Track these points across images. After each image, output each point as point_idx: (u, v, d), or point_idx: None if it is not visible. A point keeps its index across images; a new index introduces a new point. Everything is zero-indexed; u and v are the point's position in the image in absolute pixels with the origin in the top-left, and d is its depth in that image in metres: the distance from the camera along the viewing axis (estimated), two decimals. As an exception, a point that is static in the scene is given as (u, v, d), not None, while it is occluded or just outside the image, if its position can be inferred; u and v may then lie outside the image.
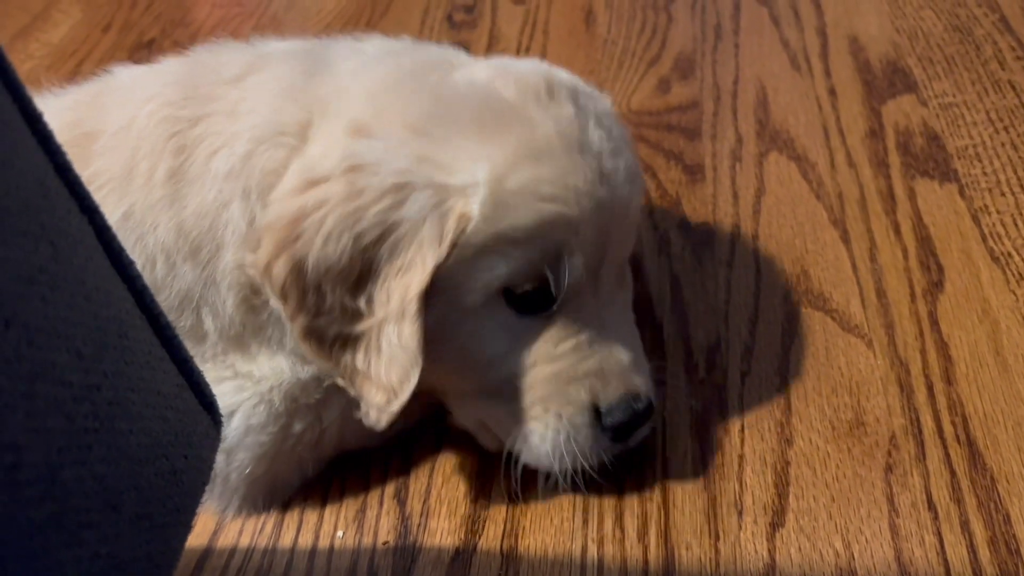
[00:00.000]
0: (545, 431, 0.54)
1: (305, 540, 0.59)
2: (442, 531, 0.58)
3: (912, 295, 0.67)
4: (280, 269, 0.50)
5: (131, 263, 0.41)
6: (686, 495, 0.57)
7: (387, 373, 0.51)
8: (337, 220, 0.49)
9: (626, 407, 0.54)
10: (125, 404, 0.37)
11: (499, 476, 0.59)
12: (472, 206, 0.49)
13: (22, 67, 1.20)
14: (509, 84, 0.54)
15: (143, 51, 1.19)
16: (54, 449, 0.32)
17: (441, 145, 0.51)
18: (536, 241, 0.51)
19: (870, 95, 0.88)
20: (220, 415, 0.46)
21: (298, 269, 0.50)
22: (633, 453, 0.58)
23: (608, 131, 0.55)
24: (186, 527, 0.42)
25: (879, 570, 0.51)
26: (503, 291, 0.53)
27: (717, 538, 0.54)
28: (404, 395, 0.51)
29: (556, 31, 1.07)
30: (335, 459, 0.62)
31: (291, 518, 0.60)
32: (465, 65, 0.58)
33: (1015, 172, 0.76)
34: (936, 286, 0.67)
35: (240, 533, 0.60)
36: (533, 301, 0.53)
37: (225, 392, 0.56)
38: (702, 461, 0.59)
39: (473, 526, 0.58)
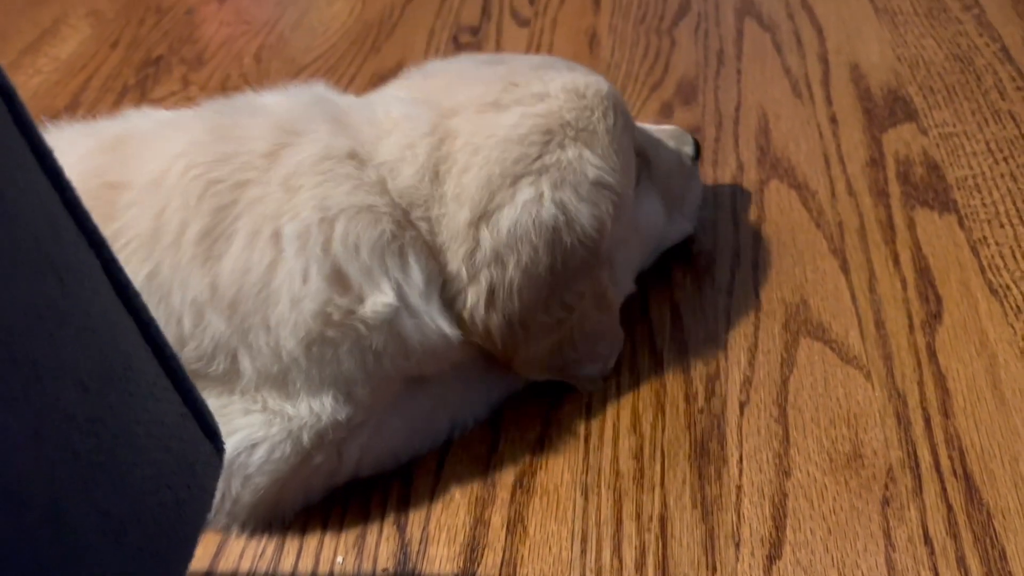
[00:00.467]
0: None
1: (305, 565, 0.59)
2: (441, 558, 0.58)
3: (911, 326, 0.68)
4: (496, 320, 0.59)
5: (137, 295, 0.41)
6: (684, 526, 0.57)
7: (600, 346, 0.66)
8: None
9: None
10: (129, 436, 0.38)
11: (499, 504, 0.59)
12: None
13: (30, 82, 1.21)
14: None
15: (151, 67, 1.20)
16: (59, 485, 0.32)
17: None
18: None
19: (871, 123, 0.89)
20: (223, 443, 0.47)
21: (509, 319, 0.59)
22: (631, 482, 0.58)
23: None
24: (188, 555, 0.43)
25: (875, 604, 0.52)
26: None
27: (714, 570, 0.55)
28: (619, 341, 0.68)
29: (560, 54, 1.08)
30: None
31: (291, 543, 0.60)
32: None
33: (1014, 203, 0.77)
34: (934, 318, 0.68)
35: (241, 557, 0.60)
36: None
37: (253, 424, 0.57)
38: (700, 492, 0.59)
39: (472, 554, 0.58)
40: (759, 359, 0.67)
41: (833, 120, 0.90)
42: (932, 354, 0.65)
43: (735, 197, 0.82)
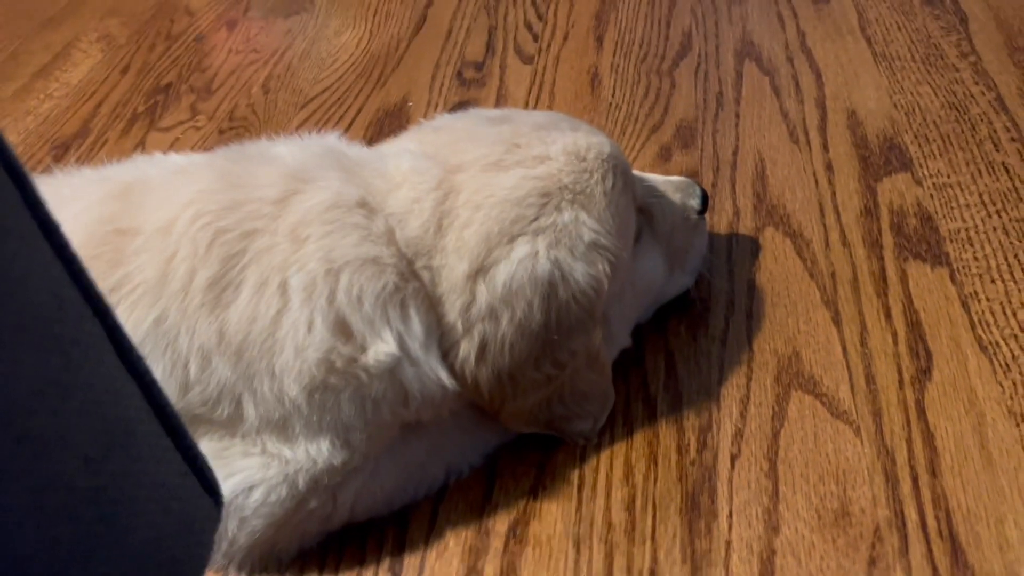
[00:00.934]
0: None
1: (298, 610, 0.60)
2: (432, 607, 0.59)
3: (900, 382, 0.68)
4: (485, 373, 0.60)
5: (140, 359, 0.42)
6: (672, 580, 0.58)
7: (590, 405, 0.67)
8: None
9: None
10: (130, 502, 0.39)
11: (492, 554, 0.60)
12: None
13: (41, 107, 1.23)
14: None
15: (160, 95, 1.22)
16: (61, 556, 0.33)
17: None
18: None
19: (866, 172, 0.90)
20: (222, 496, 0.48)
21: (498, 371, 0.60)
22: (622, 534, 0.59)
23: None
24: (183, 613, 0.43)
25: (859, 666, 0.52)
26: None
27: (701, 626, 0.55)
28: (610, 401, 0.69)
29: (562, 93, 1.10)
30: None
31: (285, 587, 0.61)
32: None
33: (1005, 258, 0.78)
34: (924, 373, 0.69)
35: (234, 601, 0.61)
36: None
37: (251, 467, 0.58)
38: (691, 546, 0.60)
39: (463, 603, 0.59)
40: (751, 411, 0.68)
41: (829, 167, 0.91)
42: (921, 411, 0.66)
43: (731, 244, 0.84)
